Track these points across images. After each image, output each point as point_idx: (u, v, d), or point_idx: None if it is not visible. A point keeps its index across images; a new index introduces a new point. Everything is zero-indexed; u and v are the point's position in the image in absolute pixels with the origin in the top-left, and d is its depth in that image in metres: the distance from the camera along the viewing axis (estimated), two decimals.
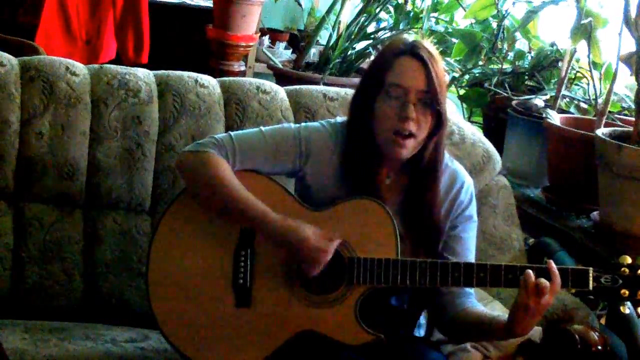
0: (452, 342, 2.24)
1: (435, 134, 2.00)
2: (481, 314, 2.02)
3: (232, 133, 2.07)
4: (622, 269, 1.92)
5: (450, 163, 2.11)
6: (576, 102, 3.54)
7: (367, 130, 2.00)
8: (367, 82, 2.03)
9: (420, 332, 2.15)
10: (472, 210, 2.12)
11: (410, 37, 2.05)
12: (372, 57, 2.09)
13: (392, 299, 2.10)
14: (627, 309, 1.95)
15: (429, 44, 2.00)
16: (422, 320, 2.14)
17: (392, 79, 1.96)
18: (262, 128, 2.09)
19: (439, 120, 1.98)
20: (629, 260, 1.93)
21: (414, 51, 1.97)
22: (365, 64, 4.34)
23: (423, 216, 2.04)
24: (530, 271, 1.86)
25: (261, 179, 2.05)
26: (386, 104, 1.96)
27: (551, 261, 1.90)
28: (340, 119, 2.11)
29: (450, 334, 2.12)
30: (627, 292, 1.91)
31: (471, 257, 2.10)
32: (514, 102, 3.44)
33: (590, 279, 1.91)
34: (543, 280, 1.84)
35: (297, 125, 2.10)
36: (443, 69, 2.00)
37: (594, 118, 3.02)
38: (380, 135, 1.98)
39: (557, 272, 1.87)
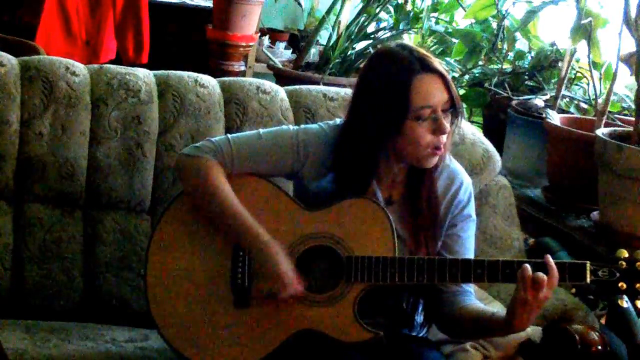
0: (453, 341, 2.24)
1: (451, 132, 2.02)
2: (480, 310, 2.02)
3: (229, 136, 2.07)
4: (620, 262, 1.92)
5: (449, 162, 2.11)
6: (576, 102, 3.55)
7: (385, 148, 1.99)
8: (385, 107, 1.95)
9: (420, 332, 2.15)
10: (471, 209, 2.12)
11: (402, 48, 2.00)
12: (373, 76, 2.02)
13: (391, 297, 2.10)
14: (625, 302, 1.95)
15: (424, 50, 2.01)
16: (421, 319, 2.14)
17: (419, 102, 1.93)
18: (260, 131, 2.09)
19: (453, 118, 2.00)
20: (625, 253, 1.93)
21: (426, 66, 1.95)
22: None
23: (425, 211, 2.04)
24: (527, 265, 1.87)
25: (259, 181, 2.05)
26: (419, 126, 1.95)
27: (548, 255, 1.90)
28: (340, 120, 2.11)
29: (451, 331, 2.12)
30: (624, 285, 1.91)
31: (470, 256, 2.10)
32: (514, 102, 3.44)
33: (587, 272, 1.91)
34: (540, 274, 1.84)
35: (296, 127, 2.10)
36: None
37: (594, 118, 3.02)
38: (412, 153, 1.98)
39: (554, 265, 1.88)
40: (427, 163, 2.00)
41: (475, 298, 2.09)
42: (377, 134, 1.98)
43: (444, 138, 1.97)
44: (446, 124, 1.96)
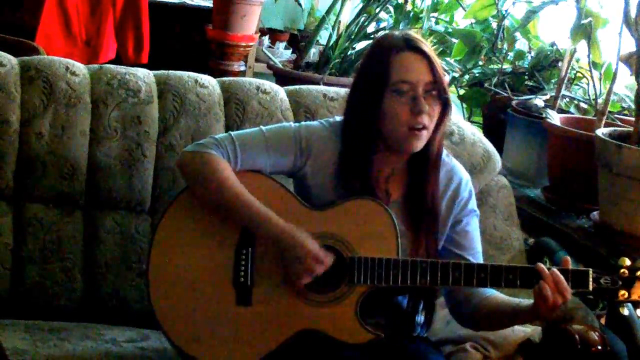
0: (453, 341, 2.24)
1: (441, 123, 2.01)
2: (504, 299, 2.04)
3: (232, 133, 2.07)
4: (622, 270, 1.93)
5: (447, 159, 2.11)
6: (576, 102, 3.54)
7: (371, 129, 2.00)
8: (367, 82, 2.01)
9: (420, 332, 2.15)
10: (473, 203, 2.13)
11: (397, 32, 2.06)
12: (364, 58, 2.08)
13: (394, 299, 2.10)
14: (626, 310, 1.96)
15: (418, 35, 2.03)
16: (421, 319, 2.14)
17: (397, 76, 1.96)
18: (263, 127, 2.09)
19: (444, 108, 2.00)
20: (627, 262, 1.94)
21: (410, 45, 1.98)
22: None
23: (425, 209, 2.05)
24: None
25: (262, 179, 2.05)
26: (396, 102, 1.96)
27: (539, 263, 1.94)
28: (340, 118, 2.11)
29: (475, 323, 2.11)
30: (626, 294, 1.93)
31: (479, 249, 2.11)
32: (514, 102, 3.44)
33: (590, 280, 1.92)
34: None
35: (297, 124, 2.10)
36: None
37: (594, 118, 3.02)
38: (393, 132, 1.98)
39: (547, 271, 1.90)
40: (407, 144, 1.98)
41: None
42: (361, 110, 2.00)
43: (423, 119, 1.96)
44: (425, 104, 1.95)
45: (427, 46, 2.00)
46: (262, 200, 2.01)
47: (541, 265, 1.92)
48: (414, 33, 2.03)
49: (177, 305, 2.02)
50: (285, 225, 1.96)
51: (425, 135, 1.98)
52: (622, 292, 1.92)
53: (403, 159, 2.06)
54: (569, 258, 1.96)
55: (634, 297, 1.93)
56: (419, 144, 1.99)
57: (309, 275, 1.95)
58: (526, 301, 1.97)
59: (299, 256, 1.94)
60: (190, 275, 2.03)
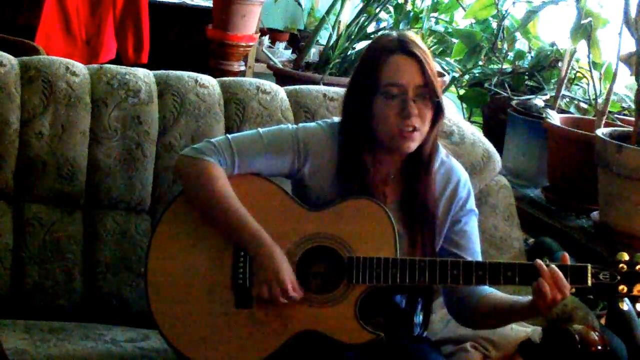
0: (453, 341, 2.24)
1: (435, 125, 2.01)
2: (503, 296, 2.04)
3: (229, 136, 2.07)
4: (620, 265, 1.93)
5: (446, 159, 2.11)
6: (576, 102, 3.54)
7: (365, 131, 2.00)
8: (360, 84, 2.02)
9: (418, 332, 2.15)
10: (472, 203, 2.13)
11: (394, 33, 2.05)
12: (359, 59, 2.10)
13: (393, 298, 2.10)
14: (625, 305, 1.95)
15: (414, 36, 2.02)
16: (419, 319, 2.14)
17: (387, 78, 1.96)
18: (260, 130, 2.09)
19: (437, 110, 1.99)
20: (626, 257, 1.94)
21: (403, 48, 1.98)
22: None
23: (420, 209, 2.04)
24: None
25: (261, 181, 2.05)
26: (386, 104, 1.97)
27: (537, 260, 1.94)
28: (338, 119, 2.11)
29: (474, 322, 2.10)
30: (625, 289, 1.92)
31: (478, 249, 2.11)
32: (514, 102, 3.44)
33: (589, 275, 1.92)
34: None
35: (295, 126, 2.10)
36: (432, 59, 2.02)
37: (594, 118, 3.02)
38: (385, 134, 1.98)
39: (545, 267, 1.90)
40: (401, 146, 1.98)
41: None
42: (355, 112, 2.00)
43: (413, 122, 1.95)
44: (415, 108, 1.95)
45: (421, 49, 1.99)
46: (260, 203, 2.01)
47: (540, 261, 1.92)
48: (409, 34, 2.02)
49: (176, 308, 2.02)
50: (268, 246, 1.96)
51: (417, 136, 1.98)
52: (622, 286, 1.92)
53: (399, 160, 2.06)
54: (567, 254, 1.96)
55: (635, 292, 1.92)
56: (412, 145, 1.98)
57: (271, 301, 1.96)
58: (525, 298, 1.96)
59: (271, 281, 1.95)
60: (188, 277, 2.03)
